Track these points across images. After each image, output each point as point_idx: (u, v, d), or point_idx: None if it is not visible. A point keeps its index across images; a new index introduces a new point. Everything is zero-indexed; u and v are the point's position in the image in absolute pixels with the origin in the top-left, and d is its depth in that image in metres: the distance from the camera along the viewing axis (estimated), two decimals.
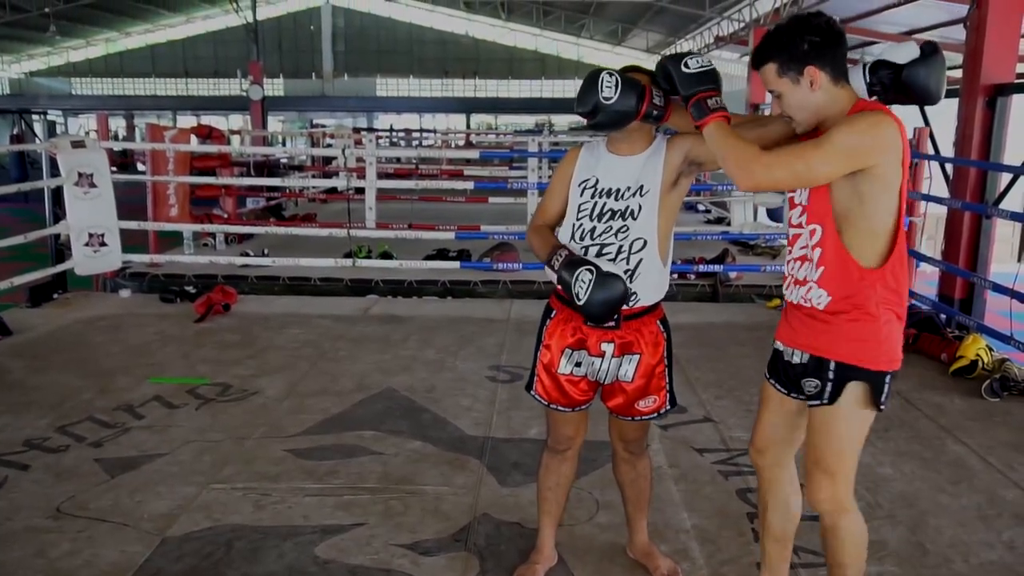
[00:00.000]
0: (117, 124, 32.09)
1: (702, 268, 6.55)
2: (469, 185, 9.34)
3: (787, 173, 1.83)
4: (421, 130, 25.74)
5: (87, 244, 5.61)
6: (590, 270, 1.98)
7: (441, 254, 7.31)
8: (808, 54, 1.83)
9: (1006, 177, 5.66)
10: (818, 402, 1.96)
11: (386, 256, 7.28)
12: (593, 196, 2.16)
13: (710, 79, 1.92)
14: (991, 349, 4.42)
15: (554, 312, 2.25)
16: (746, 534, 2.69)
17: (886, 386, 1.93)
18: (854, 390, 1.92)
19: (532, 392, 2.31)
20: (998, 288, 4.67)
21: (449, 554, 2.55)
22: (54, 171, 5.59)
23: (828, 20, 1.85)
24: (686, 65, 1.92)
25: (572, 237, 2.17)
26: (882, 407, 1.95)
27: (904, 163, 1.85)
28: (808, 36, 1.82)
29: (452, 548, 2.59)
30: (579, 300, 1.98)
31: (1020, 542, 2.67)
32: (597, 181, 2.16)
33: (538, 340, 2.29)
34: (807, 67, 1.83)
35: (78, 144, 5.60)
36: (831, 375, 1.93)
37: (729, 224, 8.72)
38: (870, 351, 1.90)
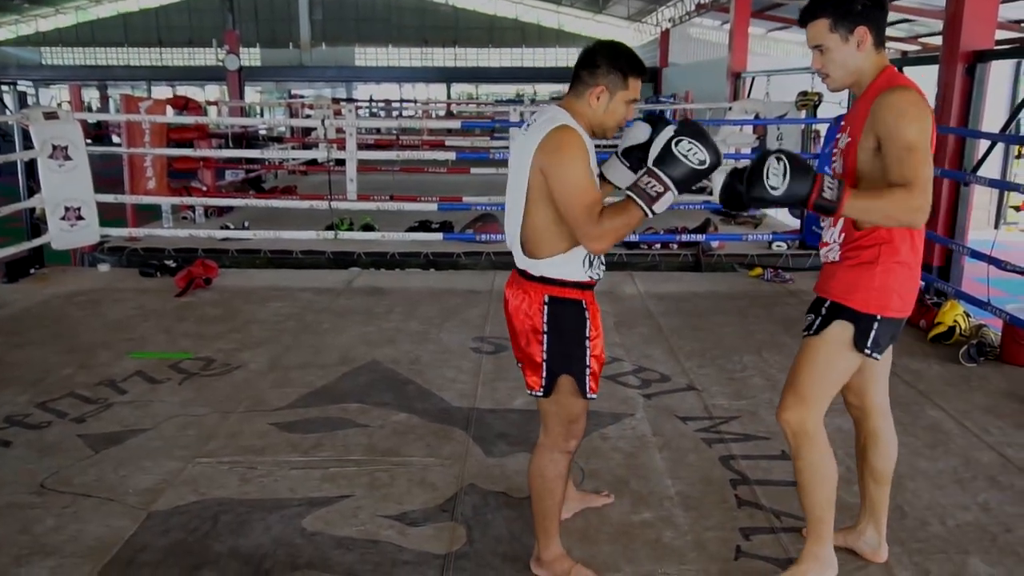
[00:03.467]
0: (90, 95, 31.46)
1: (684, 237, 6.58)
2: (451, 156, 9.28)
3: (928, 187, 1.84)
4: (401, 100, 25.47)
5: (63, 218, 5.53)
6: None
7: (423, 226, 7.28)
8: (861, 14, 1.93)
9: (984, 144, 5.70)
10: (806, 333, 2.14)
11: (368, 228, 7.24)
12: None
13: (800, 177, 1.79)
14: (968, 315, 4.48)
15: (585, 303, 2.11)
16: (729, 500, 2.73)
17: (873, 331, 2.03)
18: (838, 327, 2.06)
19: (590, 396, 2.14)
20: (976, 254, 4.72)
21: (436, 524, 2.57)
22: (27, 143, 5.48)
23: None
24: (772, 188, 1.80)
25: None
26: (867, 351, 2.05)
27: (932, 133, 1.92)
28: (858, 2, 1.92)
29: (439, 518, 2.61)
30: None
31: (995, 503, 2.73)
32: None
33: (581, 338, 2.10)
34: (859, 27, 1.93)
35: (51, 115, 5.49)
36: (823, 311, 2.10)
37: (711, 193, 8.72)
38: (860, 293, 2.03)
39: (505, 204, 2.15)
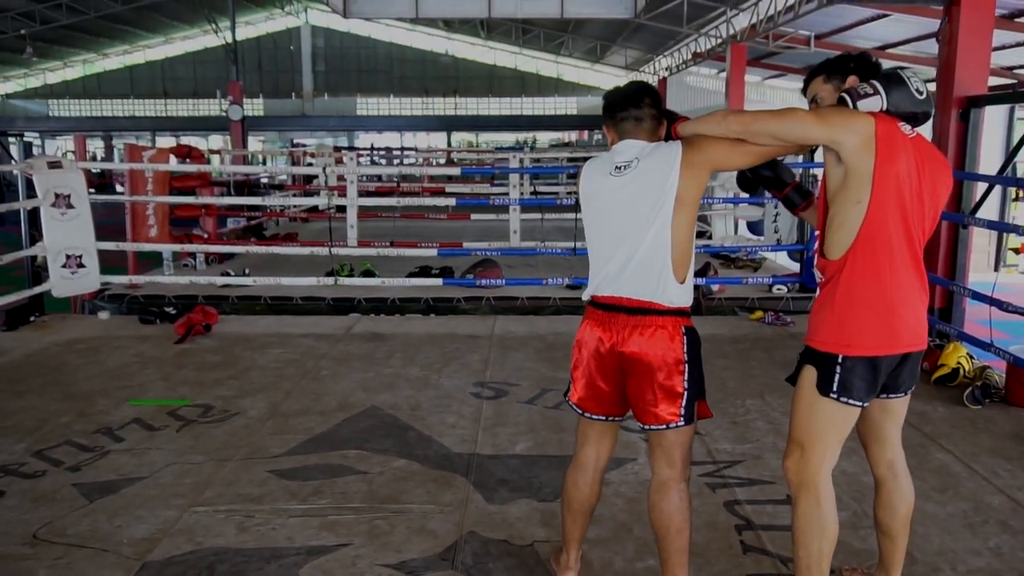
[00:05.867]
0: (95, 145, 31.84)
1: None
2: (451, 202, 9.34)
3: (743, 120, 2.04)
4: (402, 148, 25.75)
5: (64, 266, 5.54)
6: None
7: (424, 271, 7.30)
8: (851, 69, 2.16)
9: (981, 187, 5.74)
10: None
11: (368, 274, 7.25)
12: None
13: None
14: (972, 357, 4.45)
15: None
16: (735, 546, 2.68)
17: (836, 373, 1.99)
18: (806, 372, 2.07)
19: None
20: (977, 296, 4.72)
21: (436, 573, 2.52)
22: (30, 192, 5.52)
23: (868, 55, 2.19)
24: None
25: None
26: (833, 395, 2.00)
27: (880, 156, 1.94)
28: (851, 62, 2.18)
29: (439, 567, 2.55)
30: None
31: (1007, 548, 2.67)
32: None
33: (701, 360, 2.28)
34: (849, 76, 2.14)
35: (54, 164, 5.54)
36: (799, 356, 2.13)
37: (710, 237, 8.76)
38: (820, 332, 2.04)
39: (628, 246, 2.18)
